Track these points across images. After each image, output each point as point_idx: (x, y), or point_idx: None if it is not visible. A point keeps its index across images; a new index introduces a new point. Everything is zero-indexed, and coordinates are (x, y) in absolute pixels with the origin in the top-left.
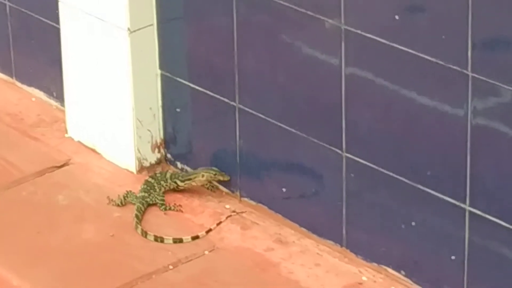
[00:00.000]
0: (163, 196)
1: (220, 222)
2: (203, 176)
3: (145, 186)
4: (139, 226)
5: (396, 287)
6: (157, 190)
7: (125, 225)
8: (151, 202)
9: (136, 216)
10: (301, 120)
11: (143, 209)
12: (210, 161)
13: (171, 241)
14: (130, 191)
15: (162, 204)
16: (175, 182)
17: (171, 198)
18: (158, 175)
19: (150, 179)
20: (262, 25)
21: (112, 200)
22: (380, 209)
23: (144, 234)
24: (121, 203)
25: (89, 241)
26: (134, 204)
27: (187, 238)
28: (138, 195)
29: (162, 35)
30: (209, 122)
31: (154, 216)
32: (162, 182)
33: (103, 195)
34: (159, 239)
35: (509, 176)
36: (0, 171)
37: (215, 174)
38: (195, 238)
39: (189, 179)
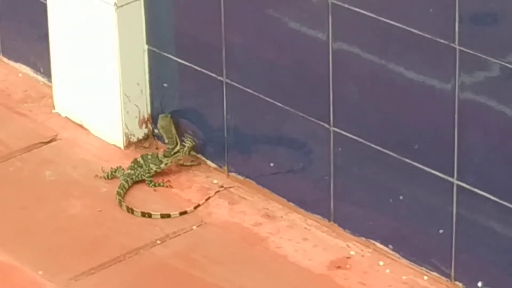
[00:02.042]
0: (151, 173)
1: (209, 198)
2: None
3: (133, 164)
4: (123, 203)
5: (384, 261)
6: (145, 168)
7: (113, 200)
8: (136, 179)
9: (118, 193)
10: (289, 94)
11: (126, 186)
12: (197, 136)
13: (159, 217)
14: (120, 166)
15: (151, 181)
16: (169, 154)
17: (159, 173)
18: (149, 156)
19: (139, 159)
20: None
21: (103, 171)
22: (368, 183)
23: (130, 211)
24: (108, 176)
25: (77, 217)
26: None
27: (175, 213)
28: (124, 172)
29: (149, 10)
30: (197, 97)
31: (141, 192)
32: (152, 165)
33: (91, 171)
34: (146, 215)
35: (496, 150)
36: None
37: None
38: (183, 213)
39: (172, 138)
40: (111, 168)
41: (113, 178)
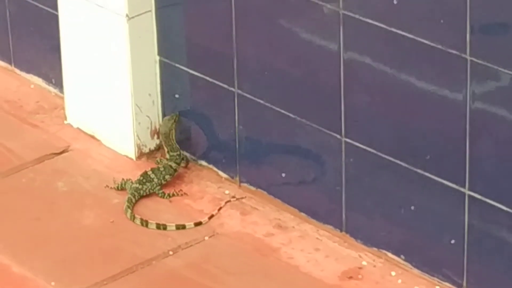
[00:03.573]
0: (161, 186)
1: (220, 208)
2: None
3: (142, 178)
4: (136, 217)
5: (396, 272)
6: (157, 181)
7: None
8: (144, 194)
9: (128, 207)
10: (300, 105)
11: (133, 201)
12: (209, 147)
13: (174, 228)
14: (129, 179)
15: (163, 194)
16: (179, 161)
17: (171, 184)
18: (161, 169)
19: (150, 173)
20: (260, 10)
21: (114, 182)
22: (380, 194)
23: (145, 223)
24: (118, 187)
25: (89, 227)
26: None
27: (190, 224)
28: (132, 186)
29: (160, 21)
30: (208, 108)
31: (154, 202)
32: (166, 176)
33: (103, 182)
34: (161, 227)
35: (508, 160)
36: (0, 158)
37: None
38: (198, 224)
39: (171, 145)
40: (122, 179)
41: (123, 189)
